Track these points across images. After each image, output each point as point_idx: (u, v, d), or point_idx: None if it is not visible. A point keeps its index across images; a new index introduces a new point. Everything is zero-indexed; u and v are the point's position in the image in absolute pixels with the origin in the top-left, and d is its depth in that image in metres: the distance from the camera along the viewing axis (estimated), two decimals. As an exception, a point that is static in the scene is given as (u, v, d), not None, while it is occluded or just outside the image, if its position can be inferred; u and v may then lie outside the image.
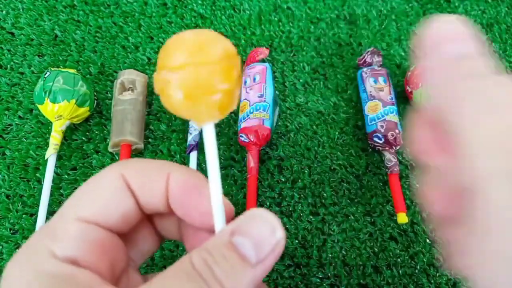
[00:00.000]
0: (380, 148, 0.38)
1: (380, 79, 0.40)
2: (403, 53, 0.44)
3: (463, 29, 0.16)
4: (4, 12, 0.46)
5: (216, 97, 0.17)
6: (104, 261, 0.18)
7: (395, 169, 0.37)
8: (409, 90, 0.39)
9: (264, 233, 0.17)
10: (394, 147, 0.37)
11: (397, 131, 0.37)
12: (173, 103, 0.17)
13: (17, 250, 0.35)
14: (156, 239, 0.22)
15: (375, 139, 0.37)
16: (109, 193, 0.18)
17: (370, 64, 0.41)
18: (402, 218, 0.35)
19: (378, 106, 0.38)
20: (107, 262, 0.18)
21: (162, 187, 0.19)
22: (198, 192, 0.19)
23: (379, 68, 0.41)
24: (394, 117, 0.38)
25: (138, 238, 0.21)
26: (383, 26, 0.46)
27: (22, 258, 0.17)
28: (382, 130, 0.37)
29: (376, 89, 0.39)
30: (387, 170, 0.37)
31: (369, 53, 0.41)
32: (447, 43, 0.16)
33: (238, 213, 0.40)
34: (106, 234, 0.18)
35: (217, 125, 0.40)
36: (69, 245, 0.17)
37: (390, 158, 0.37)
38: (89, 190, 0.18)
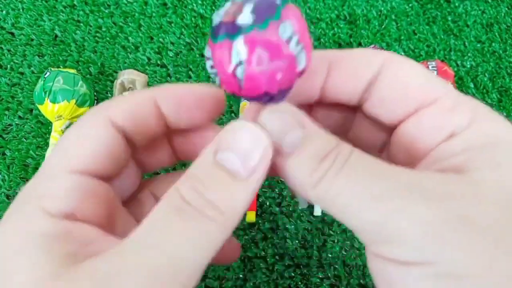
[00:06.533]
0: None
1: None
2: (403, 53, 0.44)
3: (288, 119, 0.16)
4: (4, 12, 0.46)
5: None
6: (102, 211, 0.16)
7: None
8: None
9: (247, 143, 0.15)
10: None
11: None
12: None
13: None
14: (138, 176, 0.21)
15: None
16: (97, 140, 0.17)
17: None
18: None
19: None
20: (105, 212, 0.17)
21: (151, 113, 0.18)
22: (192, 101, 0.19)
23: None
24: None
25: (121, 178, 0.19)
26: (383, 26, 0.46)
27: (12, 220, 0.15)
28: None
29: None
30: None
31: None
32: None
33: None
34: (99, 183, 0.17)
35: (218, 125, 0.40)
36: (63, 199, 0.15)
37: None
38: (75, 140, 0.17)
